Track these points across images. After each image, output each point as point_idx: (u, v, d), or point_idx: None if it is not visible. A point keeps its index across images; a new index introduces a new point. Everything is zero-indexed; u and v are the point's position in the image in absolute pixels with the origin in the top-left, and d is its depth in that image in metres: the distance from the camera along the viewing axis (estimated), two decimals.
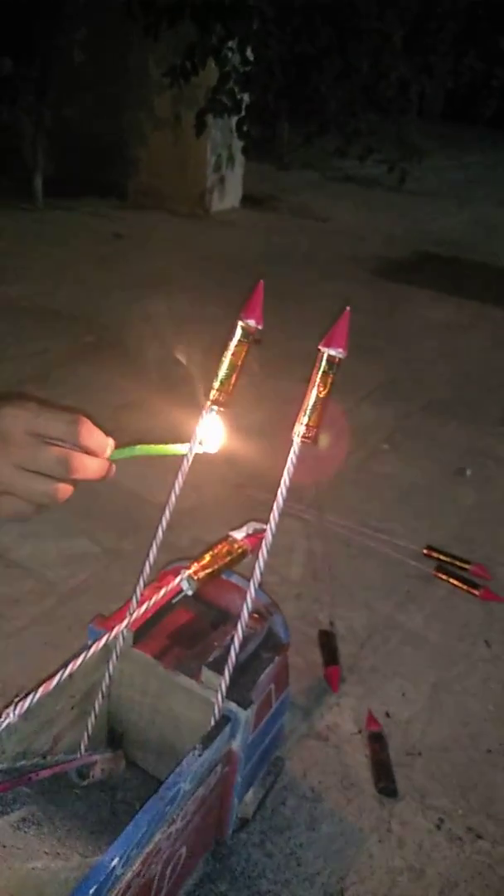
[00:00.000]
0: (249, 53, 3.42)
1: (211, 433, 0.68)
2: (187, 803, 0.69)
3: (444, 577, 1.36)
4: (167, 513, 0.74)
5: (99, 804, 0.74)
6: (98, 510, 1.43)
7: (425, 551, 1.42)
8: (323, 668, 1.13)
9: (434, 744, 1.04)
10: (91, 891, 0.57)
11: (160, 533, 0.75)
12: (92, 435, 0.56)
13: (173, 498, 0.75)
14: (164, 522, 0.75)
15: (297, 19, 3.40)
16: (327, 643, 1.17)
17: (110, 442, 0.59)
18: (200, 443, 0.68)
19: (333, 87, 3.80)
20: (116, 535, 1.37)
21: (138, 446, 0.62)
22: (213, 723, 0.71)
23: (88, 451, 0.56)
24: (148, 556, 0.75)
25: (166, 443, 0.65)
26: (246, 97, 3.54)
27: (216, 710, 0.72)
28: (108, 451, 0.59)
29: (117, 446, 0.61)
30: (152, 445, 0.63)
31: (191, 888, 0.82)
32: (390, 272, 3.28)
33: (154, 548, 0.75)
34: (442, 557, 1.40)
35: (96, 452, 0.57)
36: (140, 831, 0.62)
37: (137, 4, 3.28)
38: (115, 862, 0.59)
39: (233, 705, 0.73)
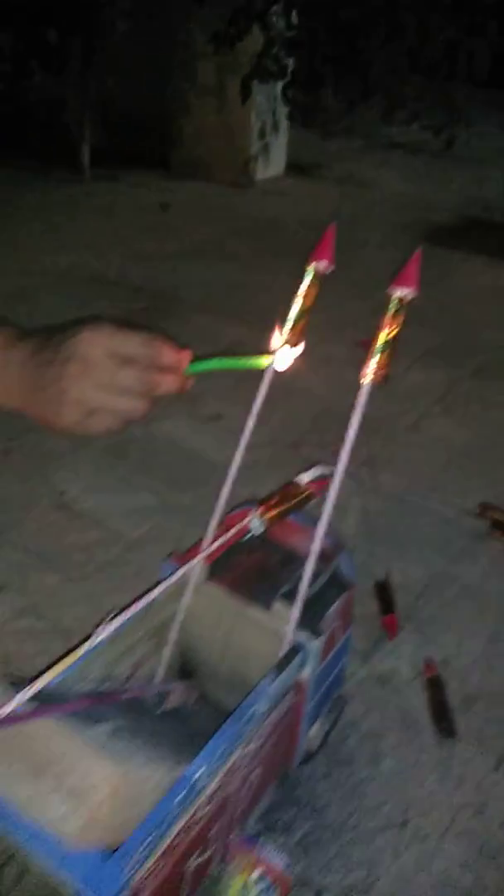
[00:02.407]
0: (294, 18, 3.38)
1: (284, 353, 0.70)
2: (262, 726, 0.72)
3: (499, 533, 1.37)
4: (242, 445, 0.77)
5: (175, 730, 0.78)
6: (157, 466, 1.47)
7: (479, 509, 1.42)
8: (380, 618, 1.16)
9: (492, 690, 1.06)
10: (178, 797, 0.61)
11: (234, 469, 0.78)
12: (167, 352, 0.58)
13: (245, 439, 0.77)
14: (238, 457, 0.78)
15: None
16: (384, 594, 1.20)
17: (187, 356, 0.61)
18: (276, 359, 0.69)
19: (379, 51, 3.73)
20: (176, 490, 1.40)
21: (215, 359, 0.64)
22: (284, 652, 0.75)
23: (165, 368, 0.59)
24: (221, 493, 0.78)
25: (242, 356, 0.67)
26: (291, 62, 3.51)
27: (288, 640, 0.75)
28: (185, 366, 0.61)
29: (194, 360, 0.63)
30: (229, 358, 0.65)
31: (261, 814, 0.86)
32: (438, 238, 3.24)
33: (228, 485, 0.79)
34: (495, 515, 1.41)
35: (173, 368, 0.59)
36: (221, 746, 0.65)
37: None
38: (200, 771, 0.63)
39: (303, 635, 0.76)
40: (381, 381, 0.73)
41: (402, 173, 4.40)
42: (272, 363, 0.72)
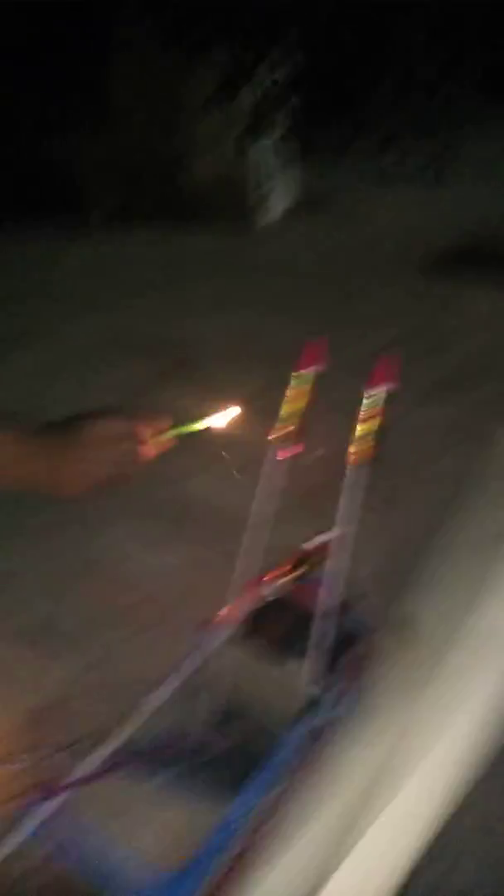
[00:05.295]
0: (282, 74, 3.57)
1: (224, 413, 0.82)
2: (290, 769, 0.85)
3: None
4: (252, 527, 0.90)
5: (218, 769, 0.91)
6: (188, 524, 1.62)
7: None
8: None
9: None
10: (222, 833, 0.74)
11: (246, 542, 0.92)
12: (144, 429, 0.73)
13: (253, 518, 0.91)
14: (248, 538, 0.91)
15: (320, 33, 3.52)
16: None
17: (162, 427, 0.76)
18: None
19: (366, 92, 3.90)
20: (210, 545, 1.53)
21: (180, 426, 0.78)
22: (303, 704, 0.87)
23: (144, 440, 0.74)
24: (239, 563, 0.92)
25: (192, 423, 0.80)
26: (283, 115, 3.69)
27: (304, 693, 0.87)
28: (161, 438, 0.76)
29: (168, 429, 0.77)
30: (187, 425, 0.78)
31: None
32: (438, 268, 3.34)
33: (243, 556, 0.92)
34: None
35: (151, 439, 0.75)
36: (254, 791, 0.78)
37: (175, 35, 3.46)
38: (236, 812, 0.76)
39: (318, 688, 0.88)
40: (368, 462, 0.86)
41: (400, 204, 4.50)
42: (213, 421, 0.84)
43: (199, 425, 0.83)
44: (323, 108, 3.92)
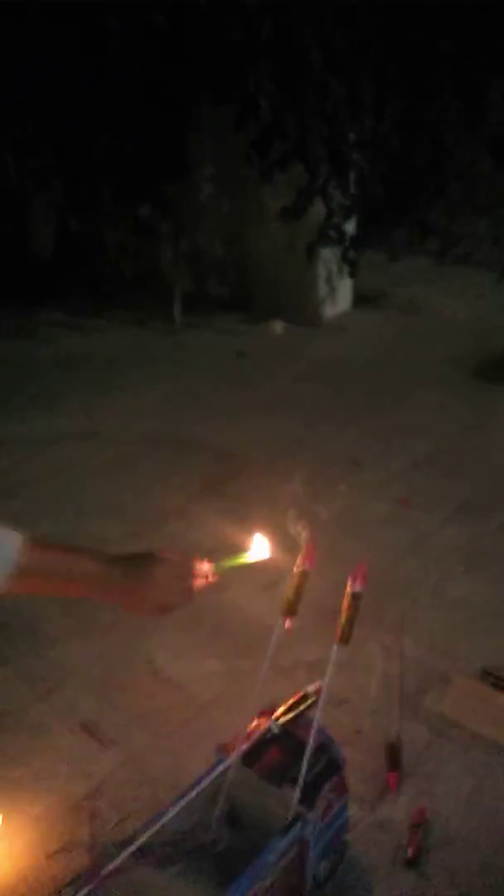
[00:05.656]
0: (352, 187, 3.93)
1: (259, 545, 1.10)
2: (274, 869, 1.12)
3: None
4: (265, 669, 1.19)
5: (224, 861, 1.19)
6: (225, 633, 1.91)
7: (481, 674, 1.77)
8: (387, 772, 1.52)
9: (467, 835, 1.40)
10: None
11: (260, 685, 1.20)
12: (197, 568, 1.02)
13: (266, 662, 1.20)
14: (261, 683, 1.20)
15: (392, 151, 3.87)
16: (392, 752, 1.56)
17: (209, 567, 1.05)
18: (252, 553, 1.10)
19: (429, 203, 4.22)
20: (238, 655, 1.83)
21: (225, 561, 1.06)
22: (290, 818, 1.15)
23: (198, 576, 1.03)
24: (255, 695, 1.20)
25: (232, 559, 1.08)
26: (351, 223, 4.04)
27: (292, 811, 1.15)
28: (209, 571, 1.05)
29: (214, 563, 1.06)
30: (226, 561, 1.07)
31: None
32: (490, 372, 3.55)
33: (257, 694, 1.21)
34: (498, 680, 1.74)
35: (202, 575, 1.03)
36: (245, 883, 1.06)
37: (255, 153, 3.88)
38: None
39: (303, 808, 1.16)
40: (345, 644, 1.14)
41: (466, 294, 4.72)
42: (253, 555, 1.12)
43: (238, 560, 1.13)
44: (387, 217, 4.26)
